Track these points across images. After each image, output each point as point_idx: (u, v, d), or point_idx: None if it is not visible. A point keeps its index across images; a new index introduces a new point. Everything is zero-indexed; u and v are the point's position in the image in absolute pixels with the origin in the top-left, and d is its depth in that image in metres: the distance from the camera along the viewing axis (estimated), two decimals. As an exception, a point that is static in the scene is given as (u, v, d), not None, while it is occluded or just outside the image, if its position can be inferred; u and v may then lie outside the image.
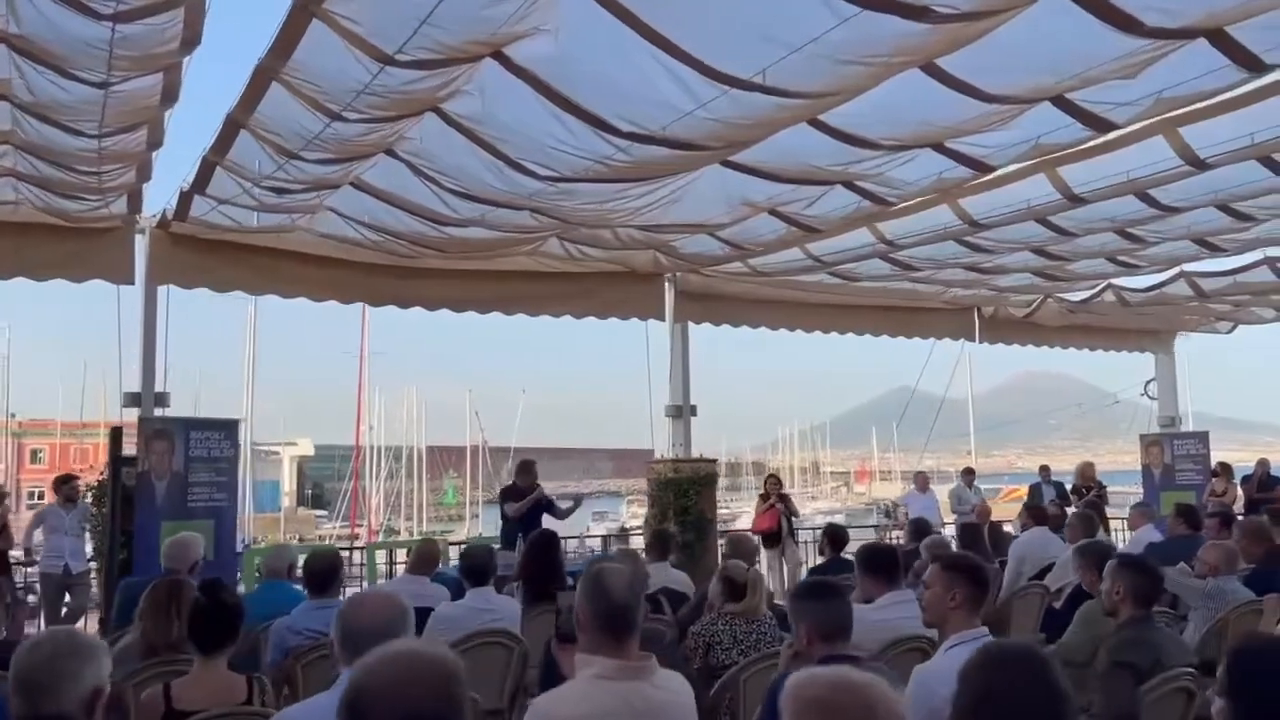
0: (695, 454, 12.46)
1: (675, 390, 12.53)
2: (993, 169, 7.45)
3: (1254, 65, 5.63)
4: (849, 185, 7.80)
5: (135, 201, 8.68)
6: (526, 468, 10.47)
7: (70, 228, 8.98)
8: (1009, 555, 9.00)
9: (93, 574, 10.24)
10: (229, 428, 9.96)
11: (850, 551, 8.09)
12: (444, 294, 10.91)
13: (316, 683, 4.77)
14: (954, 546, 9.11)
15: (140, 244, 9.47)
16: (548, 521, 9.81)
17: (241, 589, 10.05)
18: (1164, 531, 8.79)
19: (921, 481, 16.12)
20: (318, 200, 8.31)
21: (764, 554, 14.04)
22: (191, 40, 5.35)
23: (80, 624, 10.47)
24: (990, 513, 13.35)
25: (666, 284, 12.06)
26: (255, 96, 6.17)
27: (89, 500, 10.04)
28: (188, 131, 7.45)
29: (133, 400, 9.61)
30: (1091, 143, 6.97)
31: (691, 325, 12.67)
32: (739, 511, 39.91)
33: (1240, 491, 14.51)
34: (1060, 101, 6.16)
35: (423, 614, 5.90)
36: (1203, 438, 15.37)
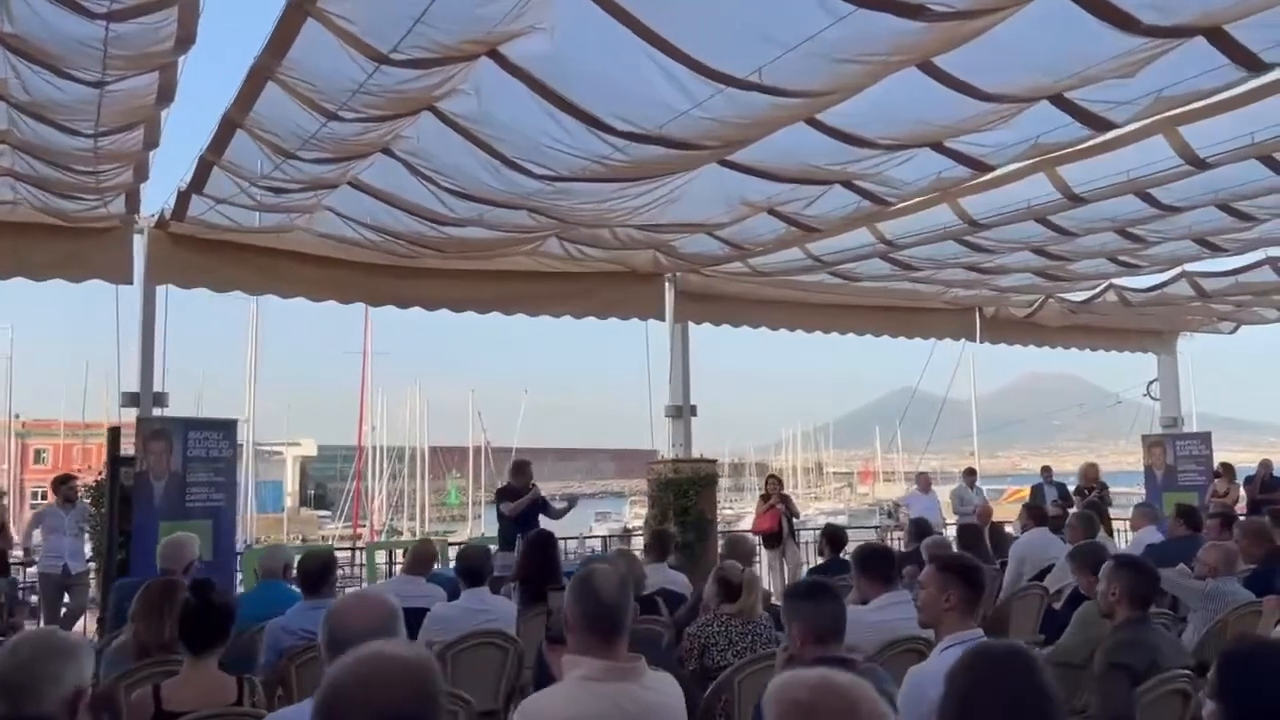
0: (695, 454, 12.45)
1: (675, 390, 12.51)
2: (992, 168, 7.43)
3: (1253, 64, 5.60)
4: (848, 185, 7.77)
5: (133, 201, 8.67)
6: (521, 468, 10.40)
7: (68, 227, 8.97)
8: (1009, 556, 8.98)
9: (91, 574, 10.23)
10: (227, 428, 9.95)
11: (850, 552, 8.07)
12: (443, 294, 10.89)
13: (311, 683, 4.73)
14: (954, 548, 9.07)
15: (139, 244, 9.46)
16: (544, 522, 9.78)
17: (241, 589, 10.03)
18: (1165, 532, 8.77)
19: (923, 482, 16.09)
20: (316, 200, 8.30)
21: (764, 555, 14.04)
22: (186, 39, 5.34)
23: (79, 624, 10.48)
24: (991, 514, 13.33)
25: (666, 284, 12.04)
26: (251, 96, 6.15)
27: (87, 500, 10.03)
28: (186, 131, 7.44)
29: (131, 400, 9.61)
30: (1091, 142, 6.94)
31: (693, 325, 12.67)
32: (742, 512, 39.86)
33: (1243, 492, 14.47)
34: (1059, 100, 6.14)
35: (419, 614, 5.91)
36: (1205, 438, 15.32)
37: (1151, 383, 16.75)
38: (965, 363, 17.22)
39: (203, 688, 3.67)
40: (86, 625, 10.53)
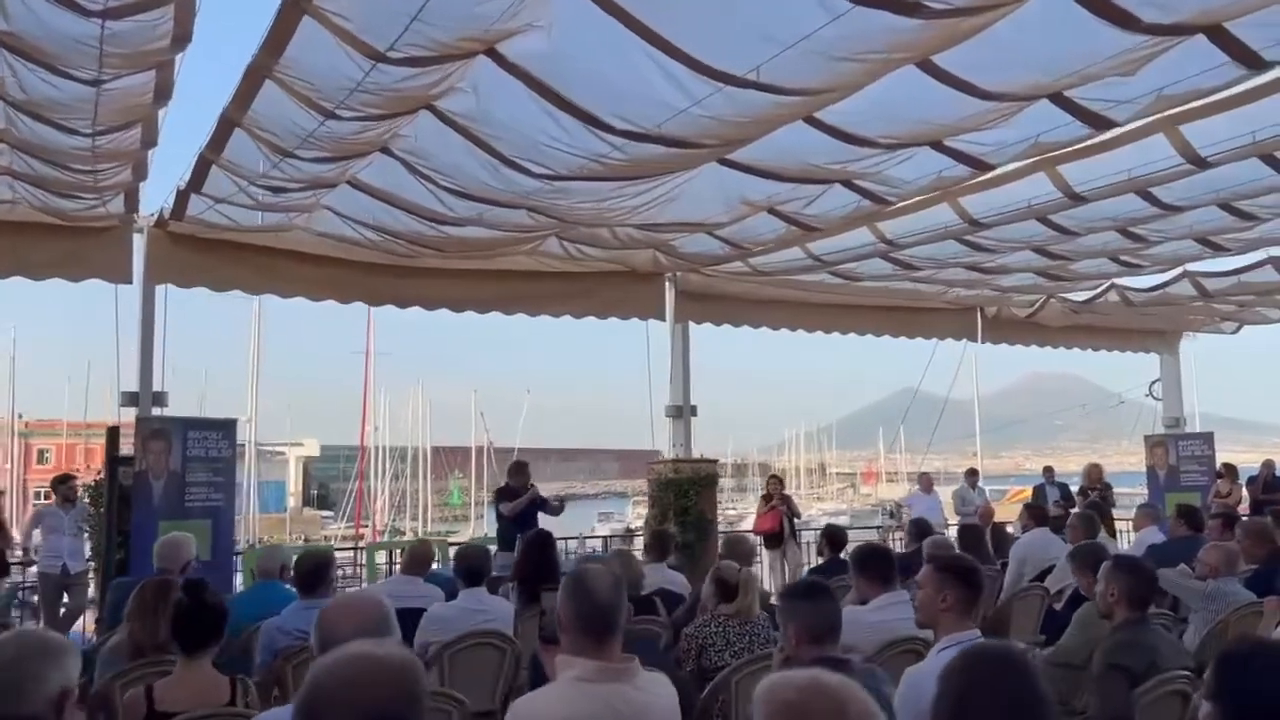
0: (697, 454, 12.43)
1: (676, 390, 12.50)
2: (992, 167, 7.40)
3: (1253, 62, 5.58)
4: (847, 184, 7.75)
5: (132, 200, 8.66)
6: (519, 468, 10.49)
7: (67, 227, 8.96)
8: (1010, 556, 8.95)
9: (90, 574, 10.22)
10: (227, 427, 9.94)
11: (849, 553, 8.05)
12: (443, 293, 10.88)
13: (306, 684, 4.73)
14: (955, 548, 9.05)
15: (138, 243, 9.45)
16: (545, 521, 9.80)
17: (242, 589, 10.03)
18: (1167, 533, 8.73)
19: (925, 482, 16.07)
20: (315, 199, 8.28)
21: (765, 555, 14.02)
22: (182, 37, 5.32)
23: (78, 624, 10.47)
24: (993, 514, 13.31)
25: (666, 283, 12.02)
26: (249, 94, 6.13)
27: (86, 500, 10.03)
28: (185, 130, 7.45)
29: (130, 399, 9.60)
30: (1091, 141, 6.92)
31: (695, 325, 12.66)
32: (745, 512, 39.84)
33: (1245, 493, 14.43)
34: (1059, 99, 6.12)
35: (416, 615, 5.89)
36: (1208, 438, 15.28)
37: (1154, 383, 16.71)
38: (968, 363, 17.20)
39: (195, 688, 3.65)
40: (85, 625, 10.53)
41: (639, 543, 16.75)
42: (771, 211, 8.53)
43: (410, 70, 5.53)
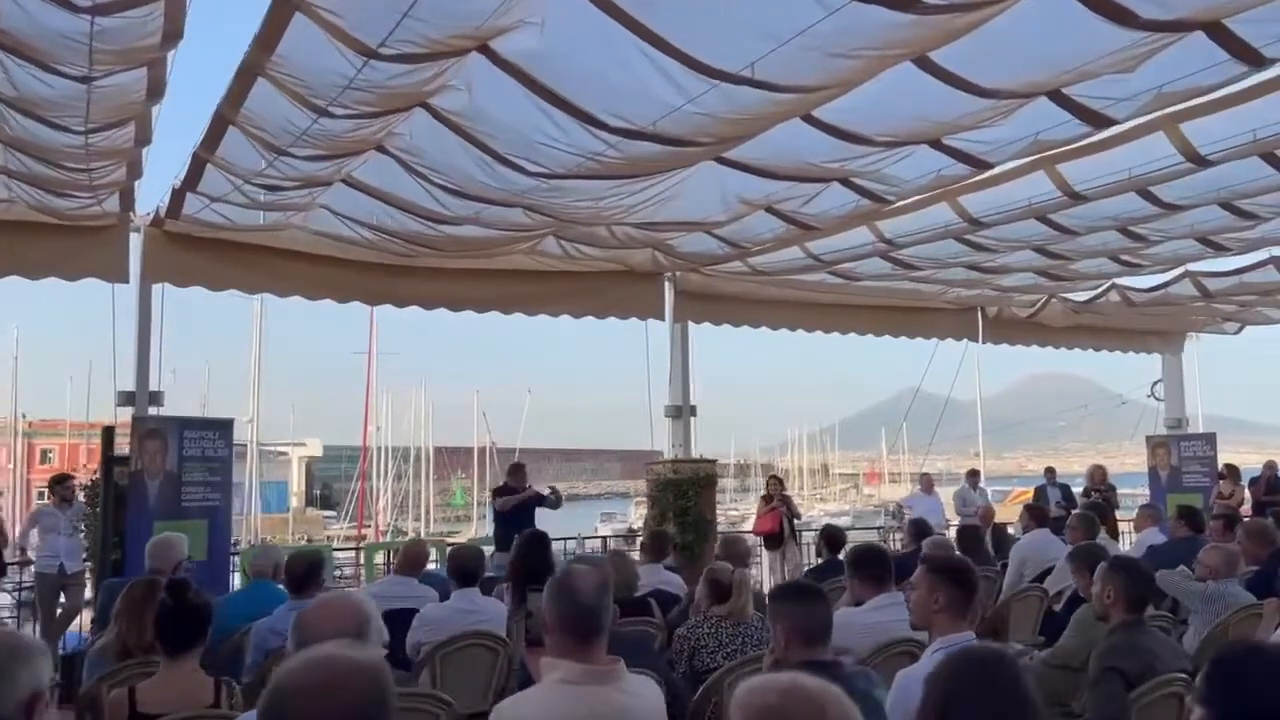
0: (700, 455, 12.40)
1: (675, 391, 12.46)
2: (991, 166, 7.35)
3: (1254, 59, 5.52)
4: (845, 182, 7.71)
5: (128, 199, 8.63)
6: (517, 469, 10.69)
7: (64, 226, 8.93)
8: (1010, 557, 8.90)
9: (87, 574, 10.18)
10: (223, 427, 9.92)
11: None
12: (441, 293, 10.84)
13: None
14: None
15: (134, 242, 9.42)
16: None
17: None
18: (1168, 534, 8.68)
19: (926, 483, 16.04)
20: (310, 198, 8.25)
21: (765, 556, 13.99)
22: (173, 34, 5.28)
23: (75, 624, 10.44)
24: (994, 515, 13.28)
25: (666, 283, 11.98)
26: (242, 92, 6.10)
27: (82, 500, 10.00)
28: (182, 129, 7.40)
29: (126, 399, 9.57)
30: (1091, 139, 6.88)
31: (696, 325, 12.63)
32: (748, 513, 39.80)
33: (1248, 494, 14.36)
34: (1057, 97, 6.07)
35: (410, 615, 5.86)
36: (1210, 439, 15.22)
37: (1155, 384, 16.66)
38: (970, 364, 17.17)
39: (179, 689, 3.61)
40: (82, 624, 10.49)
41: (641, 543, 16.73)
42: (769, 210, 8.49)
43: (402, 67, 5.49)
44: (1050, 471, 15.59)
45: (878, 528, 18.33)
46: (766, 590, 7.31)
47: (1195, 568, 6.55)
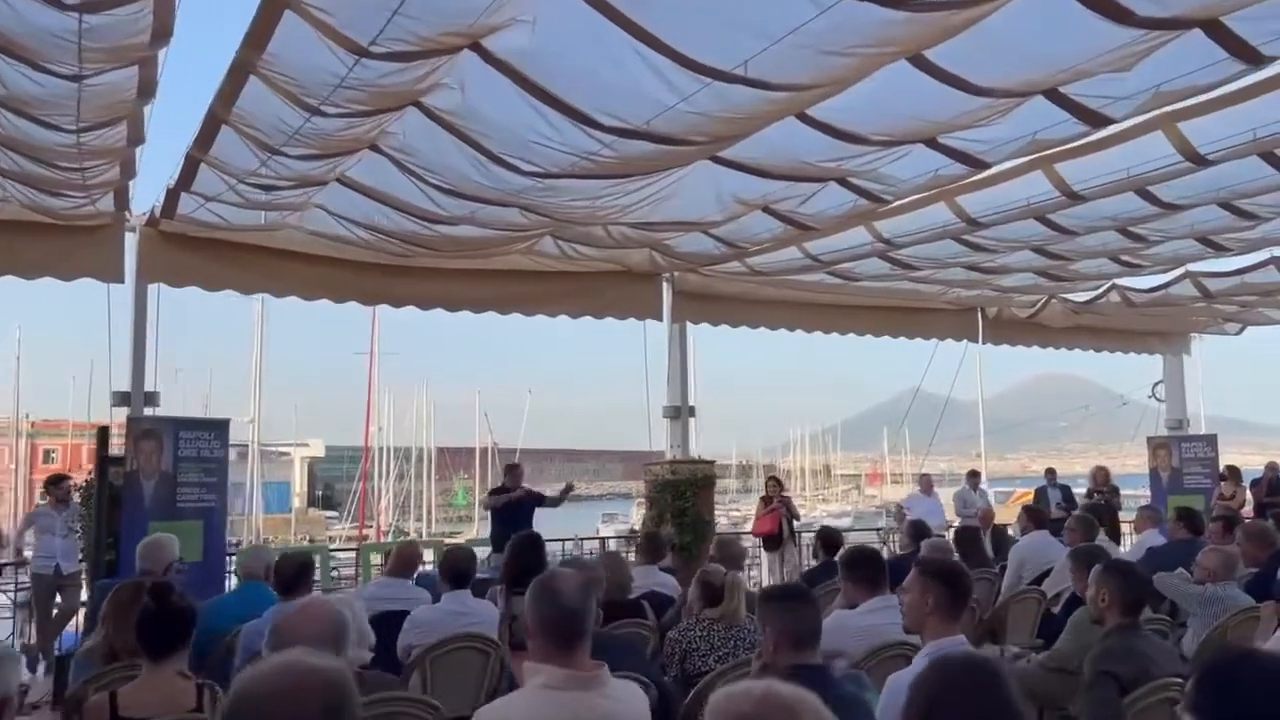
0: (702, 455, 12.37)
1: (673, 391, 12.42)
2: (989, 165, 7.31)
3: (1252, 57, 5.48)
4: (842, 182, 7.67)
5: (122, 199, 8.60)
6: (511, 469, 10.83)
7: (59, 225, 8.90)
8: (1008, 559, 8.85)
9: (83, 575, 10.16)
10: (219, 428, 9.89)
11: (842, 555, 7.96)
12: (438, 293, 10.81)
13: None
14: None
15: (130, 242, 9.40)
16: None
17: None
18: (1168, 535, 8.63)
19: (925, 484, 15.98)
20: (306, 197, 8.21)
21: (764, 557, 13.96)
22: (162, 33, 5.25)
23: (71, 625, 10.41)
24: (993, 516, 13.23)
25: (664, 284, 11.94)
26: (234, 91, 6.06)
27: (78, 500, 9.97)
28: (178, 128, 7.37)
29: (122, 399, 9.54)
30: (1089, 138, 6.84)
31: (694, 325, 12.60)
32: (750, 513, 39.72)
33: (1249, 495, 14.30)
34: (1054, 95, 6.03)
35: (402, 618, 5.82)
36: (1211, 440, 15.15)
37: (1156, 384, 16.59)
38: (973, 364, 17.11)
39: (161, 693, 3.57)
40: (79, 625, 10.46)
41: (643, 545, 16.67)
42: (766, 210, 8.44)
43: (394, 65, 5.45)
44: (1051, 473, 15.52)
45: (878, 529, 18.25)
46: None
47: (1194, 570, 6.51)
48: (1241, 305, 13.67)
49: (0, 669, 2.33)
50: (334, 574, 14.31)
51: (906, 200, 8.29)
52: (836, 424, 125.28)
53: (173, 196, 8.30)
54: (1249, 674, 2.22)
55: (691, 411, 12.46)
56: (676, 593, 7.16)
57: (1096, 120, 6.34)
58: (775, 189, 7.88)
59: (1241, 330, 15.53)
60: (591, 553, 14.30)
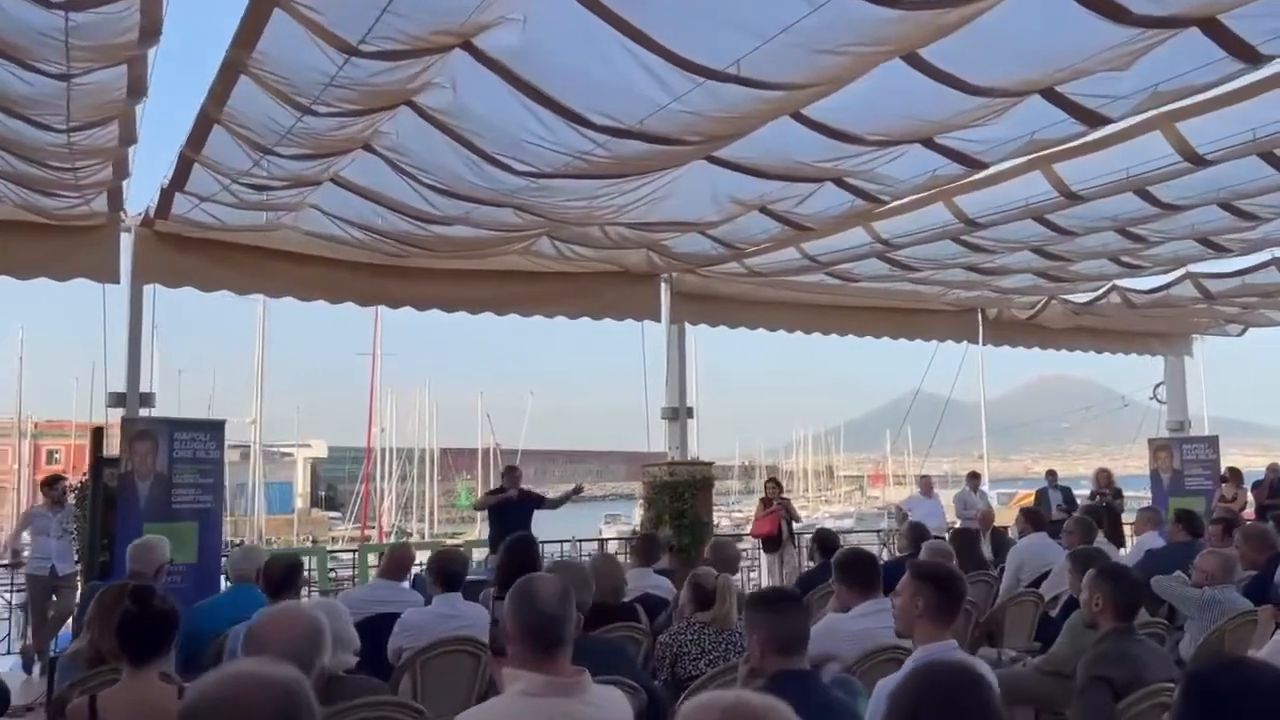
0: (704, 457, 12.35)
1: (672, 392, 12.38)
2: (986, 165, 7.26)
3: (1250, 56, 5.43)
4: (839, 182, 7.62)
5: (116, 199, 8.57)
6: (508, 471, 10.86)
7: (54, 225, 8.87)
8: (1007, 561, 8.80)
9: (78, 576, 10.13)
10: (215, 429, 9.84)
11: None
12: (435, 293, 10.77)
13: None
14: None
15: (125, 242, 9.36)
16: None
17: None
18: (1167, 538, 8.58)
19: (925, 485, 15.93)
20: (300, 198, 8.18)
21: (764, 559, 13.93)
22: (151, 31, 5.22)
23: (66, 626, 10.38)
24: (994, 518, 13.19)
25: (662, 284, 11.89)
26: (225, 90, 6.03)
27: (73, 502, 9.94)
28: (172, 128, 7.34)
29: (118, 400, 9.51)
30: (1087, 138, 6.79)
31: (693, 327, 12.56)
32: (753, 515, 39.61)
33: (1251, 497, 14.22)
34: (1051, 95, 5.98)
35: (394, 620, 5.77)
36: (1213, 442, 15.07)
37: (1158, 386, 16.52)
38: (976, 365, 17.06)
39: (141, 698, 3.52)
40: (74, 627, 10.44)
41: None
42: (763, 211, 8.40)
43: (384, 64, 5.42)
44: (1052, 474, 15.47)
45: (878, 531, 18.21)
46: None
47: (1192, 573, 6.46)
48: (1243, 306, 13.60)
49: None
50: (332, 575, 14.28)
51: (904, 201, 8.25)
52: (840, 425, 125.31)
53: (167, 196, 8.27)
54: (1233, 684, 2.18)
55: (690, 413, 12.42)
56: (672, 595, 7.12)
57: (1094, 120, 6.30)
58: (771, 189, 7.84)
59: (1243, 331, 15.45)
60: (588, 555, 14.27)
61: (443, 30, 5.17)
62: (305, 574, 11.49)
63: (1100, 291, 12.81)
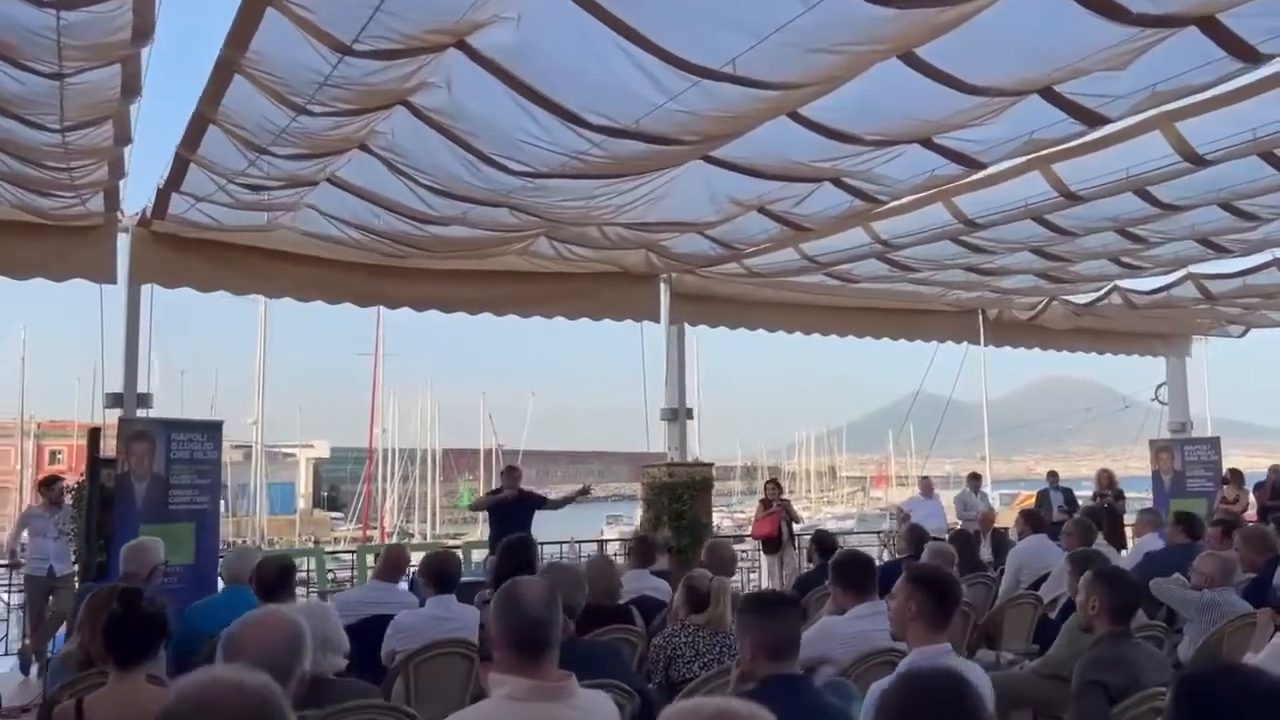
0: (705, 458, 12.31)
1: (671, 393, 12.35)
2: (985, 165, 7.23)
3: (1250, 56, 5.39)
4: (837, 182, 7.59)
5: (112, 199, 8.54)
6: (507, 472, 10.79)
7: (51, 226, 8.86)
8: (1006, 563, 8.77)
9: (76, 577, 10.11)
10: (212, 429, 9.82)
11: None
12: (433, 294, 10.74)
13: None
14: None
15: (122, 242, 9.34)
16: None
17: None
18: (1167, 540, 8.53)
19: (925, 487, 15.90)
20: (297, 198, 8.15)
21: (764, 560, 13.89)
22: (143, 30, 5.20)
23: (64, 627, 10.36)
24: (994, 520, 13.16)
25: (661, 285, 11.86)
26: (219, 89, 6.01)
27: (70, 502, 9.92)
28: (168, 128, 7.32)
29: (115, 401, 9.49)
30: (1086, 138, 6.76)
31: (692, 327, 12.54)
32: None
33: (1253, 499, 14.17)
34: (1050, 94, 5.95)
35: (388, 622, 5.74)
36: (1214, 443, 15.01)
37: (1159, 387, 16.46)
38: (979, 366, 17.01)
39: (127, 701, 3.50)
40: (71, 628, 10.42)
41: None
42: (762, 211, 8.36)
43: (378, 64, 5.39)
44: (1053, 475, 15.42)
45: (879, 532, 18.16)
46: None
47: (1191, 575, 6.42)
48: (1244, 307, 13.55)
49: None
50: (331, 576, 14.26)
51: (903, 201, 8.22)
52: (842, 426, 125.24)
53: (163, 196, 8.25)
54: (1226, 689, 2.15)
55: (689, 413, 12.38)
56: (668, 597, 7.08)
57: (1093, 120, 6.26)
58: (770, 189, 7.81)
59: (1245, 332, 15.40)
60: (586, 556, 14.24)
61: (436, 29, 5.14)
62: (303, 575, 11.50)
63: (1101, 292, 12.77)
